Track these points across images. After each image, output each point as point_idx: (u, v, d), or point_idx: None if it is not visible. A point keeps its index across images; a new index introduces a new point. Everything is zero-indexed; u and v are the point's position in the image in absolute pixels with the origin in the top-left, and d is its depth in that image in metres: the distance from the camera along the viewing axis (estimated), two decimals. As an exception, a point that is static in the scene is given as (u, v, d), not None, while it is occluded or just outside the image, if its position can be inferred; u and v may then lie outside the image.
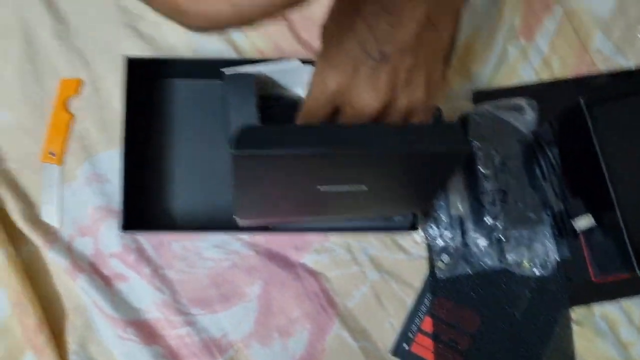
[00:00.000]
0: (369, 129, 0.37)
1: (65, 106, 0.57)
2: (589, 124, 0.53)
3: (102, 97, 0.58)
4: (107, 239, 0.55)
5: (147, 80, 0.56)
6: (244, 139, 0.34)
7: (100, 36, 0.58)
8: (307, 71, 0.51)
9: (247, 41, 0.60)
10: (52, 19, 0.58)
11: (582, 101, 0.53)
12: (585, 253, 0.56)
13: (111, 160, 0.56)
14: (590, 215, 0.54)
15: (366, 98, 0.37)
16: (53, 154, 0.56)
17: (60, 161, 0.56)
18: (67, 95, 0.57)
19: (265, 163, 0.36)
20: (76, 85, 0.57)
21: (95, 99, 0.58)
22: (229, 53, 0.59)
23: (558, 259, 0.55)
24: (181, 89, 0.57)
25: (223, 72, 0.50)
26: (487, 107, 0.55)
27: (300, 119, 0.40)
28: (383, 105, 0.37)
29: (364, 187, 0.41)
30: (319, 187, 0.41)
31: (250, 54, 0.60)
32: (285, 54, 0.59)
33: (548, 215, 0.55)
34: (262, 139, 0.34)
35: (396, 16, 0.35)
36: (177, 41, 0.59)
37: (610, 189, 0.51)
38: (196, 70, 0.56)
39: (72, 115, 0.57)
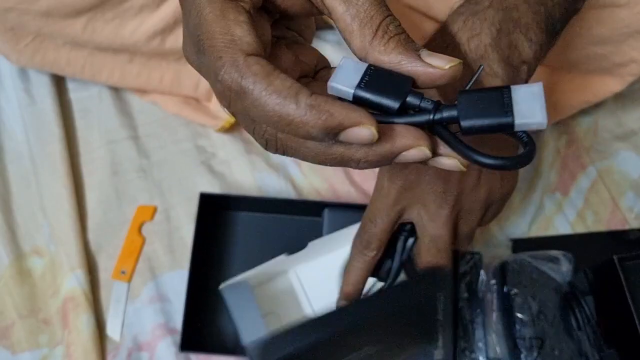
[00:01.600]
0: (358, 304, 0.42)
1: (139, 230, 0.64)
2: (622, 279, 0.56)
3: (172, 223, 0.64)
4: (163, 355, 0.59)
5: (216, 212, 0.62)
6: (260, 354, 0.39)
7: (177, 170, 0.66)
8: (290, 260, 0.57)
9: (306, 181, 0.67)
10: (137, 154, 0.66)
11: (615, 258, 0.57)
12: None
13: (173, 282, 0.62)
14: (626, 368, 0.55)
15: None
16: (124, 272, 0.62)
17: (129, 279, 0.62)
18: (142, 220, 0.64)
19: None
20: (151, 212, 0.64)
21: (165, 224, 0.64)
22: (287, 190, 0.66)
23: (595, 411, 0.56)
24: (244, 221, 0.63)
25: (220, 289, 0.55)
26: (525, 256, 0.59)
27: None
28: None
29: (375, 348, 0.44)
30: None
31: (307, 192, 0.66)
32: (339, 194, 0.66)
33: (584, 365, 0.56)
34: (270, 348, 0.38)
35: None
36: (243, 178, 0.66)
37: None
38: (258, 205, 0.63)
39: (144, 238, 0.63)
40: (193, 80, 0.65)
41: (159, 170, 0.66)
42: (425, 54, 0.28)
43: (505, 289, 0.59)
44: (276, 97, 0.25)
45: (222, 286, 0.54)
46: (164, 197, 0.65)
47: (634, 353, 0.54)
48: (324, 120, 0.25)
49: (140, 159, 0.66)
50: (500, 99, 0.27)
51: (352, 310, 0.41)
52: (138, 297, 0.61)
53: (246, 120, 0.28)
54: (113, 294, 0.61)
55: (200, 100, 0.68)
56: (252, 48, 0.26)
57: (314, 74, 0.33)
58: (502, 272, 0.60)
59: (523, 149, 0.28)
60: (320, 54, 0.34)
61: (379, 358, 0.48)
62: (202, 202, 0.60)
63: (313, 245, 0.56)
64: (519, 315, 0.58)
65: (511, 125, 0.27)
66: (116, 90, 0.69)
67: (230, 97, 0.27)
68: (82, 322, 0.58)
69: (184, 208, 0.65)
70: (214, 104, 0.67)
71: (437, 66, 0.28)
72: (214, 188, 0.65)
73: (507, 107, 0.26)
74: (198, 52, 0.28)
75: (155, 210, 0.65)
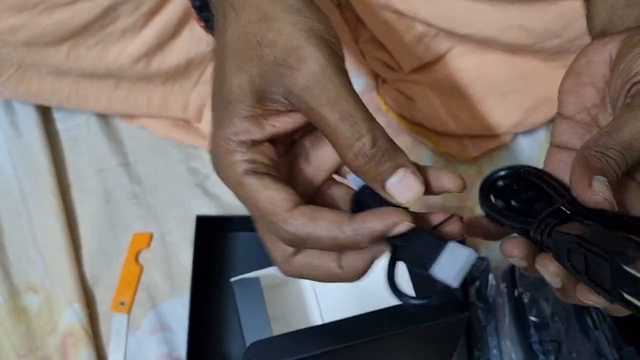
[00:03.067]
0: (367, 317, 0.40)
1: (136, 258, 0.62)
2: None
3: (169, 249, 0.63)
4: (168, 387, 0.57)
5: (214, 234, 0.61)
6: (252, 357, 0.37)
7: (171, 194, 0.65)
8: None
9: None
10: (129, 180, 0.65)
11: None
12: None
13: (174, 310, 0.60)
14: (648, 365, 0.53)
15: None
16: (123, 303, 0.60)
17: (129, 310, 0.60)
18: (138, 248, 0.62)
19: None
20: (147, 239, 0.63)
21: (163, 251, 0.63)
22: (286, 207, 0.64)
23: (619, 412, 0.54)
24: (243, 242, 0.61)
25: (230, 282, 0.53)
26: (533, 257, 0.58)
27: None
28: None
29: None
30: None
31: (306, 208, 0.65)
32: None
33: (604, 365, 0.54)
34: (270, 352, 0.38)
35: None
36: (239, 198, 0.65)
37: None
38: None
39: (141, 267, 0.62)
40: (181, 102, 0.64)
41: (152, 195, 0.65)
42: (389, 184, 0.29)
43: (516, 293, 0.57)
44: (325, 232, 0.29)
45: (233, 280, 0.52)
46: (159, 222, 0.64)
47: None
48: (370, 236, 0.29)
49: (132, 186, 0.65)
50: (436, 249, 0.29)
51: (361, 323, 0.39)
52: (139, 328, 0.59)
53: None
54: (113, 326, 0.59)
55: (190, 121, 0.67)
56: (290, 202, 0.29)
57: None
58: (512, 275, 0.58)
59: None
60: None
61: None
62: (199, 225, 0.59)
63: None
64: (532, 318, 0.56)
65: (428, 274, 0.29)
66: (104, 117, 0.67)
67: (296, 243, 0.30)
68: (83, 357, 0.56)
69: (181, 232, 0.63)
70: (204, 124, 0.66)
71: (396, 201, 0.29)
72: (209, 210, 0.63)
73: (434, 258, 0.29)
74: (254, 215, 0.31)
75: (151, 236, 0.63)
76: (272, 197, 0.29)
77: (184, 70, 0.62)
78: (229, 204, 0.64)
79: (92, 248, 0.62)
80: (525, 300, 0.56)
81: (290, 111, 0.30)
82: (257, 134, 0.30)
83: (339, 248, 0.30)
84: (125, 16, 0.55)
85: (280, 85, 0.29)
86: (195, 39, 0.59)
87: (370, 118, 0.29)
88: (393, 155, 0.29)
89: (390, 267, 0.30)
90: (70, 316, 0.58)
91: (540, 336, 0.55)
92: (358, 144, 0.28)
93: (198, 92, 0.64)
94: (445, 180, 0.31)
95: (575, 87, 0.36)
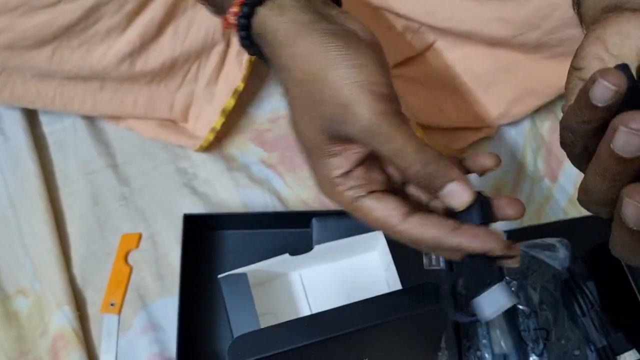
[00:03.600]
0: (354, 306, 0.40)
1: (125, 259, 0.62)
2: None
3: (158, 249, 0.63)
4: (160, 387, 0.57)
5: (202, 233, 0.61)
6: (237, 350, 0.38)
7: (159, 195, 0.65)
8: (294, 261, 0.56)
9: (291, 193, 0.65)
10: (117, 182, 0.65)
11: None
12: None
13: (165, 309, 0.60)
14: (635, 351, 0.54)
15: None
16: (113, 304, 0.60)
17: (119, 311, 0.60)
18: (127, 249, 0.62)
19: None
20: (136, 240, 0.63)
21: (152, 251, 0.63)
22: (273, 204, 0.65)
23: (608, 397, 0.54)
24: (232, 240, 0.61)
25: (218, 278, 0.53)
26: (520, 246, 0.58)
27: None
28: None
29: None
30: None
31: (293, 204, 0.65)
32: (326, 203, 0.64)
33: (592, 351, 0.55)
34: (255, 344, 0.38)
35: None
36: (228, 196, 0.65)
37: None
38: (245, 222, 0.61)
39: (131, 267, 0.62)
40: (167, 102, 0.64)
41: (140, 196, 0.65)
42: (443, 194, 0.34)
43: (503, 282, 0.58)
44: (431, 241, 0.34)
45: (220, 276, 0.53)
46: (148, 223, 0.64)
47: (641, 333, 0.53)
48: (466, 251, 0.34)
49: (120, 187, 0.65)
50: (485, 280, 0.34)
51: (349, 313, 0.39)
52: (130, 328, 0.59)
53: None
54: (104, 327, 0.59)
55: (176, 121, 0.67)
56: (401, 212, 0.35)
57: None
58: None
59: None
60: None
61: None
62: (187, 224, 0.59)
63: (320, 248, 0.55)
64: (520, 307, 0.56)
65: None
66: (90, 120, 0.67)
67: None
68: None
69: (170, 232, 0.63)
70: (191, 124, 0.66)
71: (450, 206, 0.35)
72: (198, 209, 0.64)
73: (480, 291, 0.34)
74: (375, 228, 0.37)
75: (140, 237, 0.63)
76: (381, 214, 0.35)
77: (168, 70, 0.62)
78: (218, 203, 0.65)
79: (81, 250, 0.62)
80: (513, 289, 0.57)
81: (347, 149, 0.36)
82: (345, 165, 0.35)
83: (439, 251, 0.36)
84: (108, 17, 0.56)
85: (344, 131, 0.34)
86: (179, 38, 0.59)
87: (419, 149, 0.33)
88: (443, 172, 0.34)
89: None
90: (60, 319, 0.57)
91: (529, 324, 0.56)
92: (412, 168, 0.33)
93: (183, 92, 0.64)
94: (485, 160, 0.37)
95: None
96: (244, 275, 0.51)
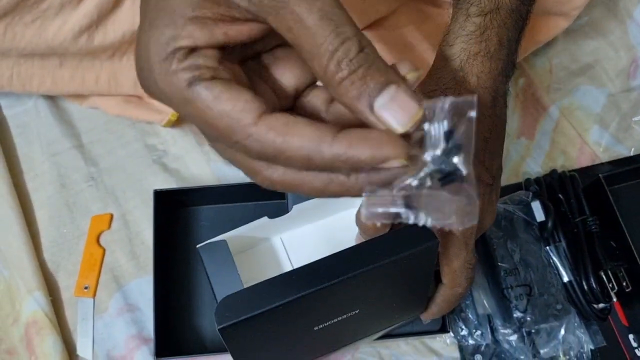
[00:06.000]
0: (340, 255, 0.38)
1: (97, 241, 0.60)
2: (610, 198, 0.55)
3: (131, 229, 0.61)
4: (140, 367, 0.55)
5: (174, 209, 0.59)
6: (224, 311, 0.35)
7: (128, 173, 0.63)
8: (274, 225, 0.53)
9: (265, 165, 0.64)
10: (84, 162, 0.63)
11: (601, 177, 0.57)
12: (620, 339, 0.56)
13: (140, 289, 0.58)
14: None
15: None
16: (87, 288, 0.58)
17: (94, 294, 0.58)
18: (99, 230, 0.60)
19: (252, 325, 0.37)
20: (107, 221, 0.61)
21: (124, 231, 0.61)
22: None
23: (592, 348, 0.54)
24: (206, 215, 0.60)
25: (197, 248, 0.51)
26: (497, 204, 0.57)
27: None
28: None
29: (358, 311, 0.42)
30: (314, 328, 0.41)
31: (268, 176, 0.63)
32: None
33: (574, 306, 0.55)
34: (242, 304, 0.35)
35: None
36: (200, 171, 0.63)
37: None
38: (218, 195, 0.60)
39: (103, 249, 0.60)
40: (131, 78, 0.62)
41: (109, 176, 0.63)
42: (379, 104, 0.23)
43: (483, 241, 0.57)
44: (298, 151, 0.24)
45: (199, 246, 0.50)
46: (118, 203, 0.62)
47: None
48: (352, 166, 0.24)
49: (88, 168, 0.63)
50: None
51: (335, 262, 0.38)
52: (106, 310, 0.58)
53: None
54: (78, 311, 0.57)
55: (141, 97, 0.64)
56: (253, 111, 0.24)
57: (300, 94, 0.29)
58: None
59: None
60: (301, 66, 0.29)
61: (367, 319, 0.45)
62: (158, 200, 0.57)
63: (298, 209, 0.52)
64: (502, 264, 0.56)
65: None
66: (53, 100, 0.65)
67: (266, 160, 0.25)
68: (49, 345, 0.54)
69: (142, 211, 0.61)
70: (157, 99, 0.64)
71: (388, 126, 0.23)
72: (170, 186, 0.62)
73: None
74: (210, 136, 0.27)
75: (111, 217, 0.61)
76: (229, 108, 0.24)
77: (129, 44, 0.59)
78: (190, 178, 0.63)
79: (51, 234, 0.60)
80: (494, 247, 0.56)
81: (248, 20, 0.25)
82: (201, 39, 0.24)
83: (314, 170, 0.25)
84: (61, -11, 0.53)
85: None
86: (138, 9, 0.57)
87: (354, 22, 0.24)
88: (382, 69, 0.23)
89: None
90: (32, 305, 0.56)
91: (511, 282, 0.55)
92: (342, 48, 0.23)
93: (147, 66, 0.62)
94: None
95: None
96: (224, 242, 0.49)
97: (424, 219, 0.24)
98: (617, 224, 0.55)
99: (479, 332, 0.55)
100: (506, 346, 0.54)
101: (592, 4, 0.68)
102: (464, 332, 0.56)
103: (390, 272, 0.39)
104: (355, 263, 0.37)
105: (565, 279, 0.55)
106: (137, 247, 0.60)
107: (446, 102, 0.23)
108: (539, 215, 0.56)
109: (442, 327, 0.55)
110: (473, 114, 0.23)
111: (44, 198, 0.62)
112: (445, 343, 0.56)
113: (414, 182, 0.24)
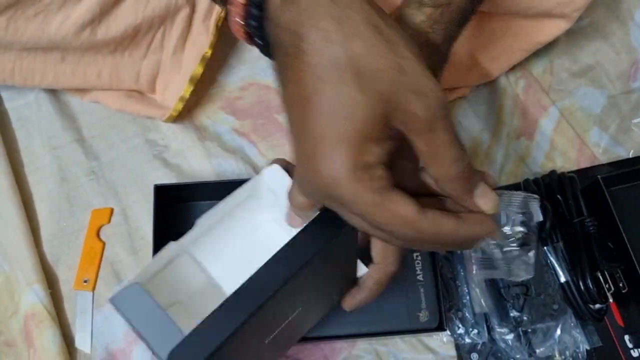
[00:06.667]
0: (270, 264, 0.38)
1: (97, 235, 0.60)
2: (608, 198, 0.55)
3: (131, 223, 0.61)
4: (139, 361, 0.56)
5: (174, 205, 0.59)
6: None
7: (129, 168, 0.63)
8: (181, 245, 0.48)
9: (266, 161, 0.64)
10: (85, 156, 0.63)
11: (599, 178, 0.57)
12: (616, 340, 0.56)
13: (141, 284, 0.58)
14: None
15: None
16: (86, 281, 0.58)
17: (93, 287, 0.58)
18: (99, 224, 0.61)
19: None
20: (108, 215, 0.61)
21: (124, 225, 0.61)
22: (248, 173, 0.63)
23: (588, 348, 0.55)
24: (205, 210, 0.60)
25: (110, 300, 0.44)
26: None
27: None
28: None
29: (300, 309, 0.42)
30: (266, 341, 0.41)
31: (268, 172, 0.64)
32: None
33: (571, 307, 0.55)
34: (190, 351, 0.35)
35: None
36: (200, 167, 0.63)
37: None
38: (217, 191, 0.60)
39: (103, 243, 0.60)
40: (133, 72, 0.62)
41: (110, 170, 0.63)
42: (477, 195, 0.35)
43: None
44: (449, 237, 0.35)
45: (110, 297, 0.44)
46: (119, 197, 0.62)
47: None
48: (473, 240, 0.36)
49: (89, 162, 0.63)
50: None
51: (271, 270, 0.37)
52: (105, 304, 0.58)
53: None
54: (77, 305, 0.58)
55: (143, 92, 0.65)
56: (419, 209, 0.34)
57: None
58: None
59: None
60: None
61: (310, 311, 0.46)
62: (158, 195, 0.57)
63: (201, 221, 0.49)
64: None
65: None
66: (54, 94, 0.65)
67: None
68: (48, 338, 0.55)
69: (142, 206, 0.61)
70: (159, 94, 0.64)
71: (482, 210, 0.36)
72: (170, 181, 0.62)
73: None
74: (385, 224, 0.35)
75: (111, 212, 0.61)
76: (408, 207, 0.33)
77: (132, 38, 0.59)
78: (191, 174, 0.63)
79: (51, 227, 0.60)
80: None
81: (390, 137, 0.33)
82: (381, 154, 0.33)
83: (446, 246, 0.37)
84: (64, -17, 0.53)
85: (405, 109, 0.31)
86: (141, 4, 0.57)
87: (460, 147, 0.33)
88: (476, 173, 0.35)
89: None
90: (31, 297, 0.56)
91: (508, 281, 0.55)
92: (463, 162, 0.33)
93: (149, 61, 0.62)
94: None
95: None
96: (136, 285, 0.43)
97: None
98: (615, 226, 0.55)
99: (475, 331, 0.56)
100: (502, 345, 0.55)
101: (593, 5, 0.68)
102: (461, 331, 0.56)
103: (319, 262, 0.39)
104: (288, 266, 0.37)
105: (562, 279, 0.55)
106: (137, 241, 0.60)
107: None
108: (537, 216, 0.57)
109: (439, 325, 0.55)
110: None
111: (44, 191, 0.62)
112: (442, 341, 0.57)
113: None
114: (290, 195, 0.41)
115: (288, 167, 0.43)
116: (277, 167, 0.47)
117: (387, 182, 0.33)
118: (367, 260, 0.46)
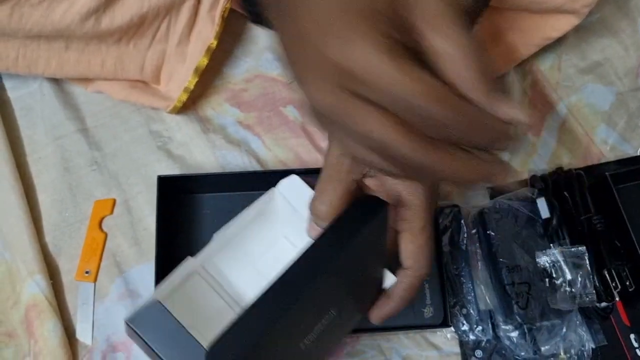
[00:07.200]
0: (306, 255, 0.35)
1: (99, 226, 0.60)
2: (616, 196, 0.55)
3: (133, 214, 0.61)
4: (140, 354, 0.55)
5: (177, 196, 0.59)
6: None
7: (133, 159, 0.62)
8: (198, 260, 0.47)
9: (270, 153, 0.63)
10: (88, 147, 0.63)
11: (607, 175, 0.56)
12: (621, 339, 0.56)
13: (142, 275, 0.58)
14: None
15: None
16: (88, 272, 0.58)
17: (95, 278, 0.58)
18: (101, 215, 0.60)
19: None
20: (110, 205, 0.61)
21: (127, 216, 0.61)
22: (252, 165, 0.63)
23: (594, 346, 0.54)
24: (209, 203, 0.60)
25: (128, 320, 0.42)
26: (502, 200, 0.57)
27: None
28: None
29: (333, 313, 0.39)
30: (301, 345, 0.37)
31: (272, 164, 0.63)
32: (305, 163, 0.63)
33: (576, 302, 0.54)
34: (233, 344, 0.32)
35: None
36: (204, 159, 0.63)
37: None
38: (222, 183, 0.59)
39: (105, 234, 0.60)
40: (137, 62, 0.62)
41: (113, 161, 0.63)
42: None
43: (486, 237, 0.57)
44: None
45: (127, 317, 0.41)
46: (121, 188, 0.61)
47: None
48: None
49: (92, 152, 0.63)
50: None
51: (309, 260, 0.35)
52: (107, 295, 0.58)
53: None
54: (79, 296, 0.57)
55: (147, 82, 0.64)
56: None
57: None
58: (482, 219, 0.57)
59: None
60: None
61: (344, 318, 0.43)
62: (161, 186, 0.56)
63: (218, 236, 0.49)
64: (504, 261, 0.56)
65: None
66: (58, 83, 0.65)
67: None
68: (49, 329, 0.54)
69: (145, 197, 0.61)
70: (163, 84, 0.64)
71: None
72: (174, 172, 0.62)
73: None
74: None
75: (114, 202, 0.61)
76: (429, 77, 0.29)
77: (137, 28, 0.59)
78: (194, 165, 0.63)
79: (53, 218, 0.60)
80: (496, 243, 0.56)
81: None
82: (394, 29, 0.30)
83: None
84: (69, -30, 0.53)
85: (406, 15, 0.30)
86: (145, -6, 0.57)
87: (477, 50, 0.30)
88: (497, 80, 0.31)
89: None
90: (32, 287, 0.56)
91: (513, 278, 0.55)
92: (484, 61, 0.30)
93: (154, 51, 0.61)
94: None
95: None
96: (156, 303, 0.41)
97: None
98: (622, 223, 0.55)
99: (480, 328, 0.55)
100: (507, 342, 0.54)
101: (603, 1, 0.68)
102: (465, 328, 0.55)
103: (354, 255, 0.37)
104: (325, 255, 0.35)
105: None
106: (140, 233, 0.60)
107: None
108: (544, 213, 0.56)
109: (443, 321, 0.55)
110: None
111: (47, 181, 0.61)
112: (446, 338, 0.56)
113: None
114: (312, 205, 0.40)
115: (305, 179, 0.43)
116: (295, 178, 0.46)
117: (405, 52, 0.30)
118: (395, 269, 0.44)
